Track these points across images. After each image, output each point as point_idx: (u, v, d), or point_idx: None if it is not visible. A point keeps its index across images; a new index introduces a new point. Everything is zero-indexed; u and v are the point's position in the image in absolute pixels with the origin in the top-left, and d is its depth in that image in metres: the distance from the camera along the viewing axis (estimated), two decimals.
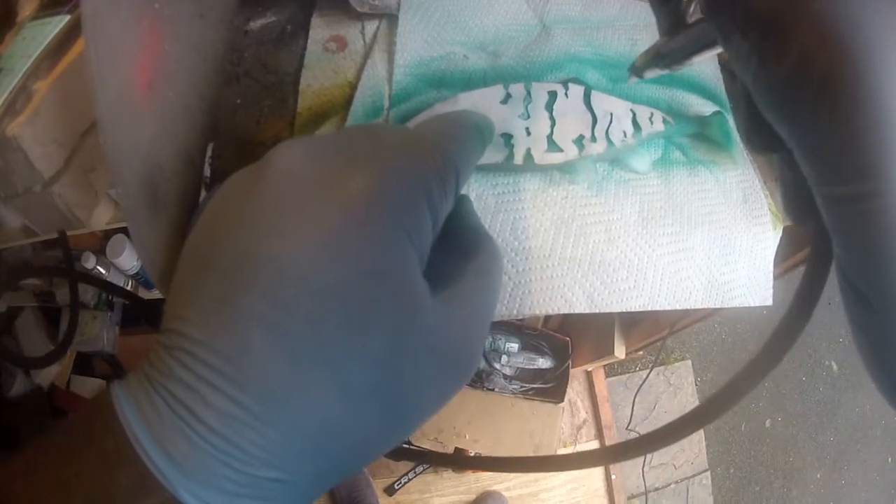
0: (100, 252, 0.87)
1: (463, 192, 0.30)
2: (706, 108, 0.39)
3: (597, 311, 0.30)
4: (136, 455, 0.15)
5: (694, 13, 0.21)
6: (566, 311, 0.30)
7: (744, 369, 0.20)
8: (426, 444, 1.08)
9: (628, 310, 0.32)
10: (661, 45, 0.23)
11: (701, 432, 1.44)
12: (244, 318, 0.15)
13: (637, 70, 0.25)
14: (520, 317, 0.29)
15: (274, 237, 0.16)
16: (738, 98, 0.19)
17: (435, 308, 0.18)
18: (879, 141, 0.13)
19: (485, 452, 1.09)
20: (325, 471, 0.17)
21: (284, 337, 0.15)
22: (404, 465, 1.18)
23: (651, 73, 0.25)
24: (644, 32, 0.40)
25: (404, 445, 1.13)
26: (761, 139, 0.18)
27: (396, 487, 1.16)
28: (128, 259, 0.84)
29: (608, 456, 0.23)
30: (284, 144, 0.19)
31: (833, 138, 0.14)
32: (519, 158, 0.30)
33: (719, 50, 0.20)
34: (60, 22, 0.44)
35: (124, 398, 0.16)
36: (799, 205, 0.18)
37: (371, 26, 0.38)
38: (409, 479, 1.17)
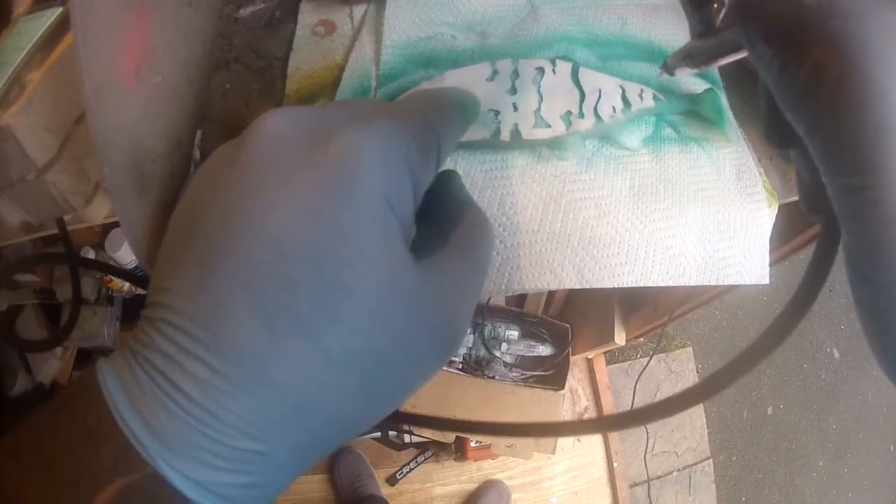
0: (99, 247, 0.87)
1: (450, 168, 0.30)
2: (698, 85, 0.38)
3: (587, 286, 0.30)
4: (117, 428, 0.15)
5: (723, 20, 0.23)
6: (555, 287, 0.29)
7: (750, 345, 0.21)
8: (427, 433, 1.08)
9: (620, 286, 0.32)
10: (691, 46, 0.26)
11: (703, 420, 1.44)
12: (221, 282, 0.15)
13: (668, 68, 0.28)
14: (508, 293, 0.29)
15: (252, 201, 0.16)
16: (761, 97, 0.21)
17: (417, 275, 0.18)
18: (879, 140, 0.15)
19: (485, 441, 1.09)
20: (306, 443, 0.16)
21: (261, 301, 0.15)
22: (406, 455, 1.18)
23: (681, 72, 0.27)
24: (634, 12, 0.40)
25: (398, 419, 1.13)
26: (781, 135, 0.21)
27: (398, 477, 1.17)
28: (127, 253, 0.85)
29: (605, 425, 0.23)
30: (266, 113, 0.19)
31: (842, 136, 0.16)
32: (506, 134, 0.30)
33: (744, 54, 0.22)
34: (53, 14, 0.45)
35: (108, 372, 0.16)
36: (812, 198, 0.21)
37: (359, 10, 0.38)
38: (411, 469, 1.17)
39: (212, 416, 0.15)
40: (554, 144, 0.32)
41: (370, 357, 0.16)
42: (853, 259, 0.17)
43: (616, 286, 0.31)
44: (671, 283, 0.33)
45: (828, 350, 1.62)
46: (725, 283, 0.35)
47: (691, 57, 0.26)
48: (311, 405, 0.16)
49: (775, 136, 0.21)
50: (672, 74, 0.28)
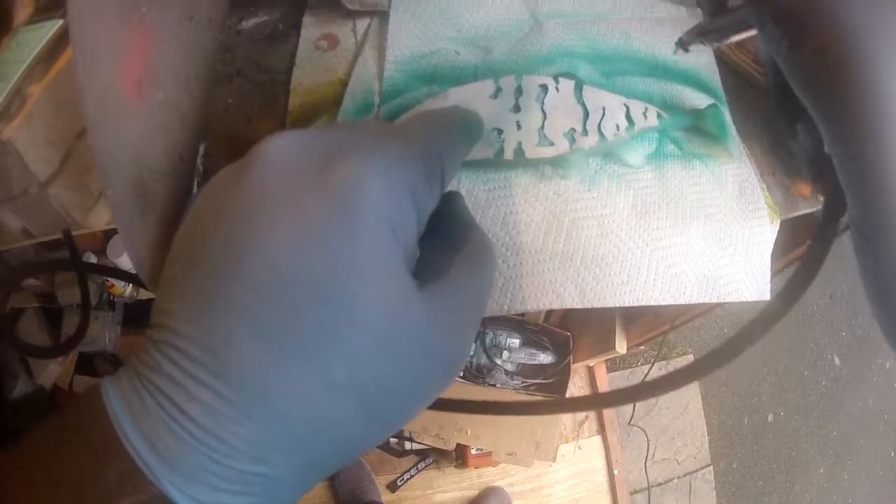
0: (100, 252, 0.87)
1: (453, 188, 0.30)
2: (701, 101, 0.38)
3: (589, 306, 0.30)
4: (122, 449, 0.15)
5: (734, 1, 0.26)
6: (557, 307, 0.29)
7: (752, 320, 0.23)
8: (427, 440, 1.08)
9: (622, 304, 0.31)
10: (704, 24, 0.28)
11: (704, 427, 1.44)
12: (226, 308, 0.15)
13: (683, 44, 0.30)
14: (511, 312, 0.29)
15: (257, 227, 0.16)
16: (769, 72, 0.23)
17: (421, 302, 0.18)
18: (874, 113, 0.17)
19: (486, 448, 1.09)
20: (310, 465, 0.17)
21: (265, 327, 0.15)
22: (407, 462, 1.18)
23: (695, 47, 0.30)
24: (638, 26, 0.40)
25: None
26: (789, 107, 0.23)
27: (399, 484, 1.17)
28: (129, 259, 0.85)
29: (601, 401, 0.25)
30: (270, 137, 0.19)
31: (842, 109, 0.18)
32: (509, 153, 0.30)
33: (753, 32, 0.24)
34: (54, 26, 0.44)
35: (113, 393, 0.16)
36: (817, 166, 0.23)
37: (362, 24, 0.38)
38: (412, 476, 1.17)
39: (217, 440, 0.15)
40: (557, 163, 0.31)
41: (373, 382, 0.16)
42: (855, 224, 0.18)
43: (617, 305, 0.31)
44: (672, 302, 0.33)
45: (828, 357, 1.61)
46: (727, 300, 0.35)
47: (705, 34, 0.28)
48: (315, 430, 0.16)
49: (784, 108, 0.23)
50: (687, 50, 0.30)
